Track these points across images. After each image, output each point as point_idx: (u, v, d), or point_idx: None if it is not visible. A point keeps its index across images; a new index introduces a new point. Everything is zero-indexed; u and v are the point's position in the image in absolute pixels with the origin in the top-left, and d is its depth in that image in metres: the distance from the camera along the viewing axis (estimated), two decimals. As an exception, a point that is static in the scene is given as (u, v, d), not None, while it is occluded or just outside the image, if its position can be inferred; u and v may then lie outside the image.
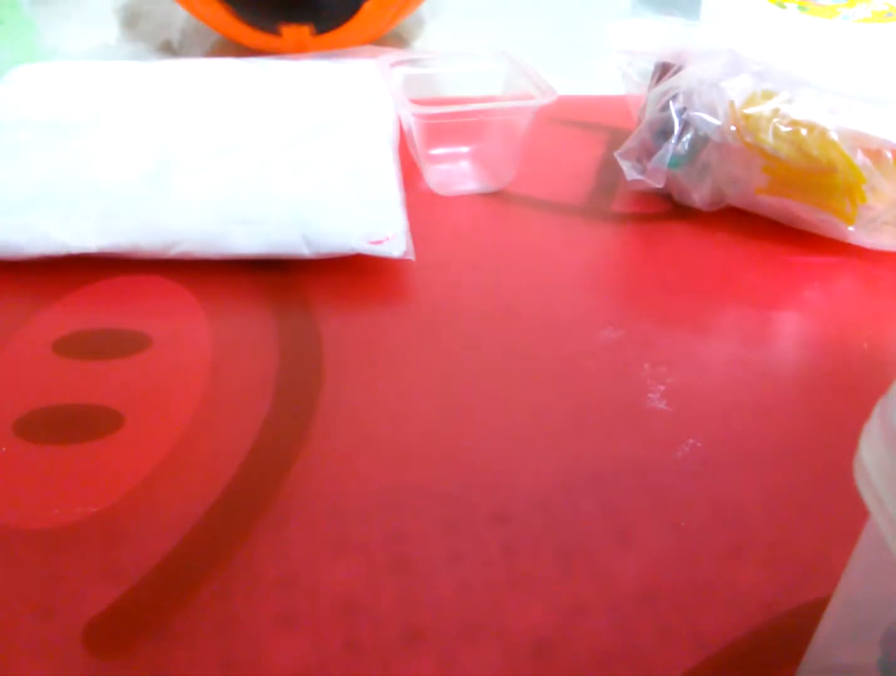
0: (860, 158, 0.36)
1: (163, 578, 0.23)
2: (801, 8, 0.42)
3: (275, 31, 0.55)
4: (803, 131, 0.36)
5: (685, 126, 0.39)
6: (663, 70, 0.42)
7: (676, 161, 0.40)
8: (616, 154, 0.41)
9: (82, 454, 0.27)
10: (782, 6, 0.42)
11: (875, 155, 0.36)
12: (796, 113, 0.36)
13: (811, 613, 0.23)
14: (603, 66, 0.50)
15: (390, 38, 0.64)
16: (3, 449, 0.27)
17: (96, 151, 0.41)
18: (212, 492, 0.26)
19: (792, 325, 0.34)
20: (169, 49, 0.62)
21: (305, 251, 0.36)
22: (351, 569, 0.24)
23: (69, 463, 0.27)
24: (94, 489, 0.26)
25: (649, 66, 0.43)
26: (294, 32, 0.55)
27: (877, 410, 0.16)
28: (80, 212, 0.36)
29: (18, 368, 0.31)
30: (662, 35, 0.42)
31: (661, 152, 0.39)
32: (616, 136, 0.49)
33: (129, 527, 0.25)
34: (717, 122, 0.38)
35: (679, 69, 0.40)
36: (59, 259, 0.36)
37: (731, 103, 0.37)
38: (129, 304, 0.34)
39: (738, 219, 0.41)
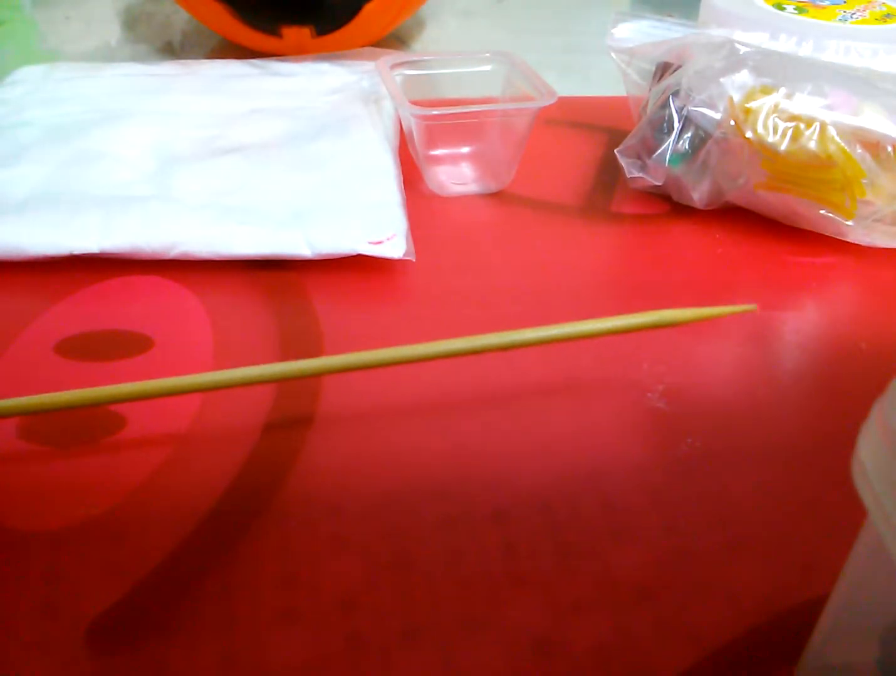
0: (859, 152, 0.36)
1: (165, 576, 0.24)
2: (800, 10, 0.42)
3: (275, 33, 0.55)
4: (802, 125, 0.36)
5: (685, 123, 0.39)
6: (664, 69, 0.42)
7: (676, 158, 0.40)
8: (616, 151, 0.41)
9: (85, 455, 0.27)
10: (781, 8, 0.42)
11: (874, 149, 0.36)
12: (795, 108, 0.36)
13: (809, 611, 0.23)
14: (603, 66, 0.50)
15: (390, 39, 0.64)
16: (7, 450, 0.27)
17: (98, 152, 0.41)
18: (214, 491, 0.26)
19: (790, 325, 0.35)
20: (170, 50, 0.62)
21: (306, 252, 0.36)
22: (351, 567, 0.24)
23: (72, 465, 0.27)
24: (97, 490, 0.26)
25: (649, 66, 0.43)
26: (295, 34, 0.55)
27: (874, 410, 0.16)
28: (81, 212, 0.36)
29: (21, 370, 0.31)
30: (662, 35, 0.42)
31: (661, 149, 0.40)
32: (615, 137, 0.49)
33: (132, 527, 0.25)
34: (717, 116, 0.38)
35: (679, 68, 0.40)
36: (60, 260, 0.36)
37: (730, 99, 0.37)
38: (131, 305, 0.34)
39: (736, 219, 0.41)
